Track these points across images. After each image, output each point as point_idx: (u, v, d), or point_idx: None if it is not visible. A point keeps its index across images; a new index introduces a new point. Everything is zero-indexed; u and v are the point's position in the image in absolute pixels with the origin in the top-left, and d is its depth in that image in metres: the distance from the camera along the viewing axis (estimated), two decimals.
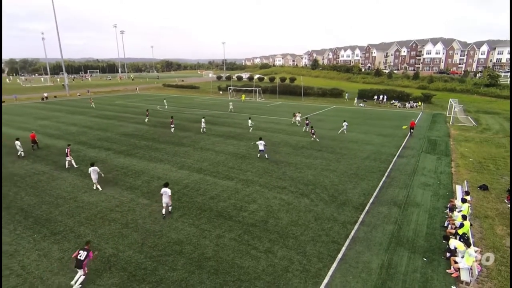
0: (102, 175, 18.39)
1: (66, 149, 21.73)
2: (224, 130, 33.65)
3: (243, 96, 66.82)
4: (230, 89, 71.77)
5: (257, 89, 67.86)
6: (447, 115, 43.71)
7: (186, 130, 33.87)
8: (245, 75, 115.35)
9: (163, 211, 14.68)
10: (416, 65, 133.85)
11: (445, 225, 13.87)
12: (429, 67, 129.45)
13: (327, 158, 23.59)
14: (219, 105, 54.91)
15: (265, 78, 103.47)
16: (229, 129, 34.21)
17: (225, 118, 41.83)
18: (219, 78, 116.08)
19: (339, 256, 11.70)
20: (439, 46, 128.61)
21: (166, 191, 14.54)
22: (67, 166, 21.52)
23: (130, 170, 21.09)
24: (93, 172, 17.49)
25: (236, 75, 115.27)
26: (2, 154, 24.71)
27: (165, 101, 56.80)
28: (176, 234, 13.20)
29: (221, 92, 77.30)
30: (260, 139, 23.78)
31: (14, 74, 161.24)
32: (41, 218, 14.57)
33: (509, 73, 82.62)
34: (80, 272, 10.12)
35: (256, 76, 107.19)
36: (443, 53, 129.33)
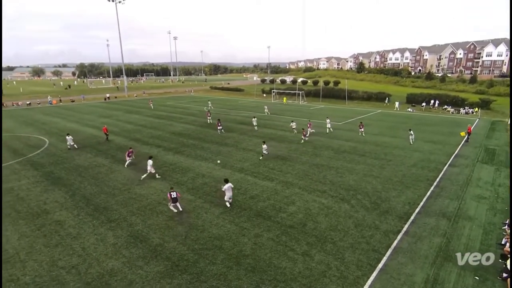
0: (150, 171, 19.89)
1: (128, 150, 22.51)
2: (266, 132, 34.08)
3: (285, 98, 66.90)
4: (273, 92, 72.34)
5: (300, 92, 67.56)
6: (508, 122, 39.64)
7: (230, 131, 34.92)
8: (288, 78, 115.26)
9: (227, 204, 15.93)
10: (474, 68, 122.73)
11: (503, 242, 12.74)
12: (489, 70, 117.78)
13: (370, 163, 22.83)
14: (263, 108, 55.53)
15: (309, 81, 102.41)
16: (270, 131, 34.57)
17: (267, 120, 42.29)
18: (263, 81, 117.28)
19: (380, 265, 11.34)
20: (502, 48, 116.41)
21: (230, 186, 15.78)
22: (126, 164, 22.17)
23: (177, 166, 22.40)
24: (148, 164, 19.69)
25: (280, 78, 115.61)
26: (74, 149, 27.61)
27: (209, 102, 58.94)
28: (217, 230, 13.79)
29: (264, 95, 78.21)
30: (264, 143, 24.77)
31: (83, 77, 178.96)
32: (100, 206, 16.17)
33: None
34: (178, 205, 15.23)
35: (300, 79, 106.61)
36: (507, 55, 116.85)
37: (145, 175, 19.86)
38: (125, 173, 21.09)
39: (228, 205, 15.95)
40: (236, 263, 11.48)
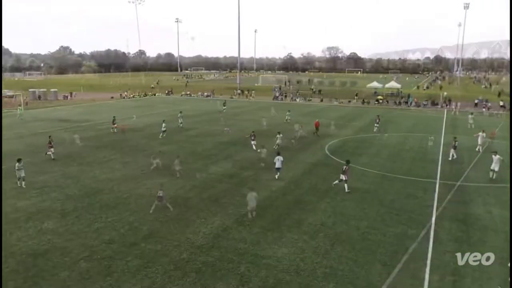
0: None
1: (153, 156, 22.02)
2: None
3: (297, 99, 66.74)
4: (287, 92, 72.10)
5: (314, 92, 67.15)
6: None
7: (242, 130, 34.83)
8: (304, 78, 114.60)
9: (249, 214, 14.73)
10: (499, 68, 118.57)
11: None
12: None
13: (384, 165, 22.41)
14: (277, 108, 55.17)
15: (325, 81, 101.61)
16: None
17: (277, 120, 41.94)
18: (278, 81, 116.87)
19: (395, 271, 10.91)
20: None
21: (254, 196, 14.59)
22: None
23: (189, 166, 22.41)
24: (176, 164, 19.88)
25: (296, 78, 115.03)
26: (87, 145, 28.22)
27: (218, 102, 58.37)
28: (227, 230, 13.67)
29: (278, 95, 77.94)
30: (263, 147, 22.51)
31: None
32: (109, 204, 16.18)
33: None
34: (167, 204, 15.22)
35: (316, 79, 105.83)
36: None
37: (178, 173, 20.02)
38: (137, 171, 21.30)
39: (250, 216, 14.67)
40: (247, 262, 11.32)
